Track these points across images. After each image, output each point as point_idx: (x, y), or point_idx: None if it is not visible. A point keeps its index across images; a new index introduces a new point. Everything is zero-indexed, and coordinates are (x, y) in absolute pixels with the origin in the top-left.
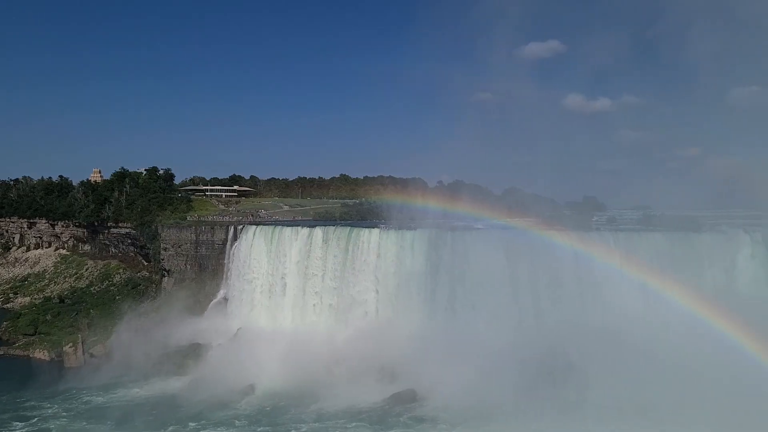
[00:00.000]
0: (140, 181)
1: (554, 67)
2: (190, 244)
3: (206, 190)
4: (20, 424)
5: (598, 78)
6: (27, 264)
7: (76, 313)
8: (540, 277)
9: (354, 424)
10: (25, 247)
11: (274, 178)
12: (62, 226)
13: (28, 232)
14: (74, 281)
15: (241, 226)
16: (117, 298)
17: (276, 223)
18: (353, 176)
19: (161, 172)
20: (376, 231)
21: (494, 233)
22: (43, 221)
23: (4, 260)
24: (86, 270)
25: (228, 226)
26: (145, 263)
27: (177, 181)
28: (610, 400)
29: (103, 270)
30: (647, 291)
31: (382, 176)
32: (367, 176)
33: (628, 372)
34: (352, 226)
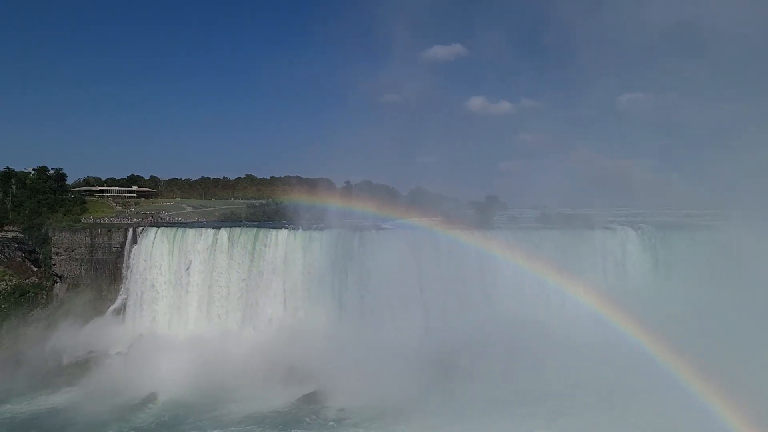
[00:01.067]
0: (28, 181)
1: (458, 70)
2: (85, 247)
3: (102, 191)
4: None
5: (498, 82)
6: None
7: None
8: (445, 275)
9: (258, 428)
10: None
11: (176, 179)
12: None
13: None
14: None
15: (141, 228)
16: (3, 306)
17: (179, 224)
18: (259, 176)
19: (51, 171)
20: (283, 232)
21: (401, 233)
22: None
23: None
24: None
25: (126, 229)
26: (35, 269)
27: (69, 181)
28: (512, 392)
29: None
30: (547, 286)
31: (289, 176)
32: (274, 176)
33: (530, 365)
34: (258, 227)
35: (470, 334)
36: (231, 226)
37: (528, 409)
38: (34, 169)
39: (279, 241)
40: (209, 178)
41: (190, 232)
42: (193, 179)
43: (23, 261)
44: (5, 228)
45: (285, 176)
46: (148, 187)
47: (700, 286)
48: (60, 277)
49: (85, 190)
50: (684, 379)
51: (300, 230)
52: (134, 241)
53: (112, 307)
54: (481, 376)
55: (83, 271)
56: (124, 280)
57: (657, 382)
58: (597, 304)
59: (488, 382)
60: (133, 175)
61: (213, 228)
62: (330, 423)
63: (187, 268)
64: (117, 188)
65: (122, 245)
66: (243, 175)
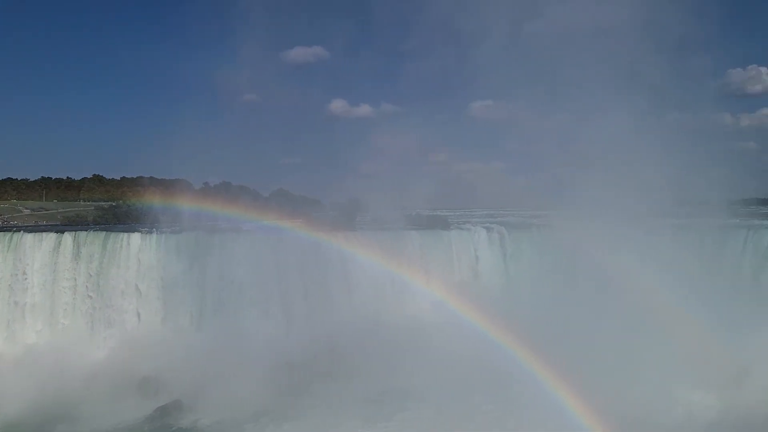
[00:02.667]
0: None
1: (319, 71)
2: None
3: None
4: None
5: (359, 85)
6: None
7: None
8: (308, 277)
9: None
10: None
11: (11, 179)
12: None
13: None
14: None
15: None
16: None
17: (14, 229)
18: (109, 177)
19: None
20: (136, 235)
21: (263, 235)
22: None
23: None
24: None
25: None
26: None
27: None
28: (373, 392)
29: None
30: (408, 286)
31: (142, 177)
32: (125, 177)
33: (391, 364)
34: (108, 231)
35: (333, 335)
36: (77, 230)
37: (382, 407)
38: None
39: (131, 245)
40: (50, 178)
41: (28, 237)
42: (32, 179)
43: None
44: None
45: (137, 177)
46: None
47: (542, 282)
48: None
49: None
50: (532, 370)
51: (154, 233)
52: None
53: None
54: (342, 377)
55: None
56: None
57: (507, 373)
58: (453, 302)
59: (349, 382)
60: None
61: (55, 232)
62: None
63: (25, 277)
64: None
65: None
66: (90, 176)
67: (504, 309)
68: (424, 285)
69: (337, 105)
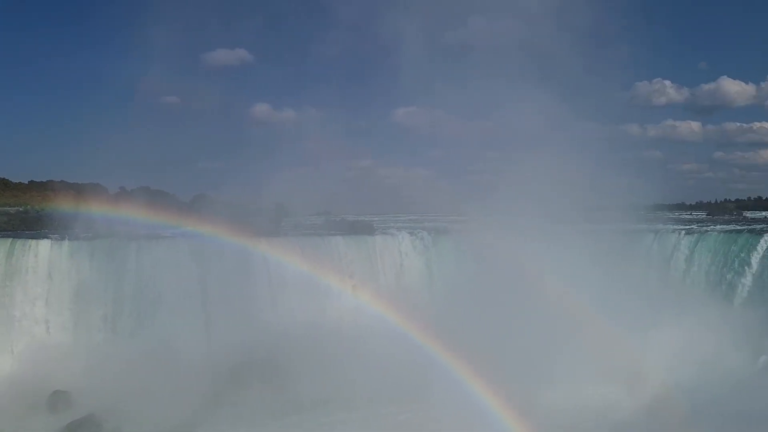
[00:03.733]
0: None
1: (242, 74)
2: None
3: None
4: None
5: (283, 89)
6: None
7: None
8: (231, 283)
9: None
10: None
11: None
12: None
13: None
14: None
15: None
16: None
17: None
18: (15, 181)
19: None
20: (45, 242)
21: (182, 241)
22: None
23: None
24: None
25: None
26: None
27: None
28: (302, 398)
29: None
30: (333, 291)
31: (52, 181)
32: (33, 181)
33: (316, 370)
34: (14, 238)
35: (257, 343)
36: None
37: (308, 415)
38: None
39: (40, 252)
40: None
41: None
42: None
43: None
44: None
45: (48, 181)
46: None
47: (464, 285)
48: None
49: None
50: (455, 372)
51: (66, 240)
52: None
53: None
54: (266, 386)
55: None
56: None
57: (431, 376)
58: (378, 307)
59: (274, 391)
60: None
61: None
62: None
63: None
64: None
65: None
66: None
67: (428, 312)
68: (350, 290)
69: (261, 109)
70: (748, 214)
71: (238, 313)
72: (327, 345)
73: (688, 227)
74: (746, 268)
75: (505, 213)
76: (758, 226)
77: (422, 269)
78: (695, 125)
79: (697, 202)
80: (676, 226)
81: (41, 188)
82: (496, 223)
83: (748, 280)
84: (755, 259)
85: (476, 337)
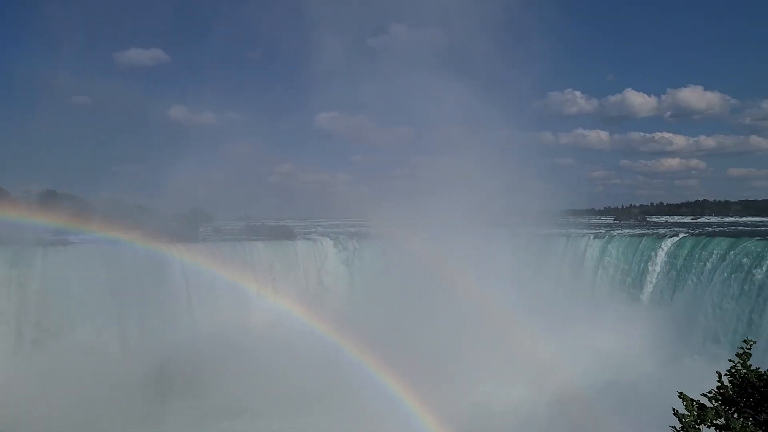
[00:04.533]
0: None
1: (158, 76)
2: None
3: None
4: None
5: (201, 91)
6: None
7: None
8: (145, 292)
9: None
10: None
11: None
12: None
13: None
14: None
15: None
16: None
17: None
18: None
19: None
20: None
21: (93, 248)
22: None
23: None
24: None
25: None
26: None
27: None
28: (215, 407)
29: None
30: (255, 298)
31: None
32: None
33: (242, 377)
34: None
35: (173, 352)
36: None
37: (227, 424)
38: None
39: None
40: None
41: None
42: None
43: None
44: None
45: None
46: None
47: (386, 290)
48: None
49: None
50: (378, 377)
51: None
52: None
53: None
54: (184, 396)
55: None
56: None
57: (355, 382)
58: (300, 313)
59: (191, 400)
60: None
61: None
62: None
63: None
64: None
65: None
66: None
67: (350, 318)
68: (271, 297)
69: (178, 111)
70: (651, 219)
71: (153, 321)
72: (248, 352)
73: (597, 231)
74: (651, 269)
75: (427, 217)
76: (661, 230)
77: (344, 274)
78: (603, 134)
79: (605, 208)
80: (586, 230)
81: None
82: (419, 227)
83: (652, 280)
84: (659, 261)
85: (398, 340)
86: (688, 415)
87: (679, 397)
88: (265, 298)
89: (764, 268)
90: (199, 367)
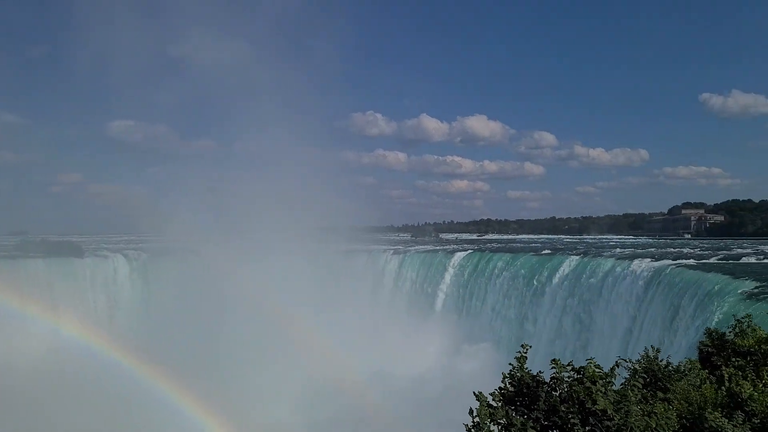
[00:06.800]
0: None
1: None
2: None
3: None
4: None
5: None
6: None
7: None
8: None
9: None
10: None
11: None
12: None
13: None
14: None
15: None
16: None
17: None
18: None
19: None
20: None
21: None
22: None
23: None
24: None
25: None
26: None
27: None
28: None
29: None
30: (32, 322)
31: None
32: None
33: (17, 411)
34: None
35: None
36: None
37: None
38: None
39: None
40: None
41: None
42: None
43: None
44: None
45: None
46: None
47: (185, 308)
48: None
49: None
50: (176, 401)
51: None
52: None
53: None
54: None
55: None
56: None
57: (151, 406)
58: (88, 336)
59: None
60: None
61: None
62: None
63: None
64: None
65: None
66: None
67: (145, 340)
68: (52, 320)
69: None
70: (443, 236)
71: None
72: (24, 385)
73: (396, 247)
74: (442, 282)
75: (228, 233)
76: (451, 246)
77: (138, 293)
78: (402, 156)
79: (403, 225)
80: (386, 246)
81: None
82: (220, 242)
83: (443, 292)
84: (449, 275)
85: (195, 361)
86: (482, 414)
87: (477, 398)
88: (46, 323)
89: (535, 282)
90: None
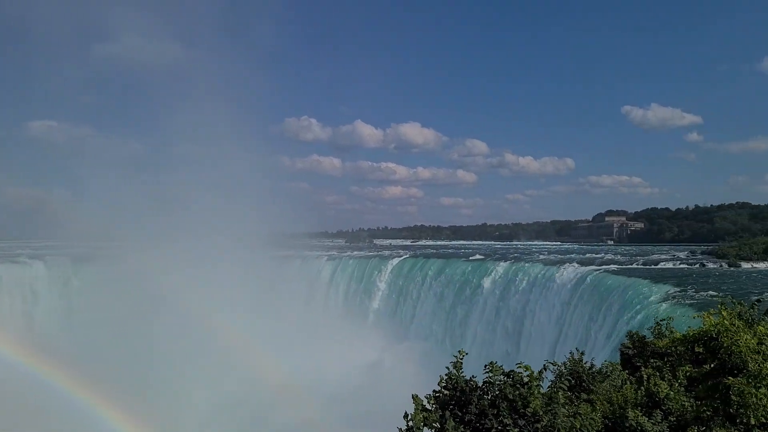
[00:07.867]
0: None
1: None
2: None
3: None
4: None
5: None
6: None
7: None
8: None
9: None
10: None
11: None
12: None
13: None
14: None
15: None
16: None
17: None
18: None
19: None
20: None
21: None
22: None
23: None
24: None
25: None
26: None
27: None
28: None
29: None
30: None
31: None
32: None
33: None
34: None
35: None
36: None
37: None
38: None
39: None
40: None
41: None
42: None
43: None
44: None
45: None
46: None
47: (109, 316)
48: None
49: None
50: (101, 413)
51: None
52: None
53: None
54: None
55: None
56: None
57: (75, 419)
58: (3, 349)
59: None
60: None
61: None
62: None
63: None
64: None
65: None
66: None
67: (68, 351)
68: None
69: None
70: (377, 242)
71: None
72: None
73: (329, 254)
74: (376, 288)
75: (157, 238)
76: (385, 252)
77: (60, 301)
78: (336, 161)
79: (338, 231)
80: (320, 252)
81: None
82: (148, 248)
83: (378, 297)
84: (382, 281)
85: (123, 373)
86: (416, 420)
87: (413, 400)
88: None
89: (467, 287)
90: None
